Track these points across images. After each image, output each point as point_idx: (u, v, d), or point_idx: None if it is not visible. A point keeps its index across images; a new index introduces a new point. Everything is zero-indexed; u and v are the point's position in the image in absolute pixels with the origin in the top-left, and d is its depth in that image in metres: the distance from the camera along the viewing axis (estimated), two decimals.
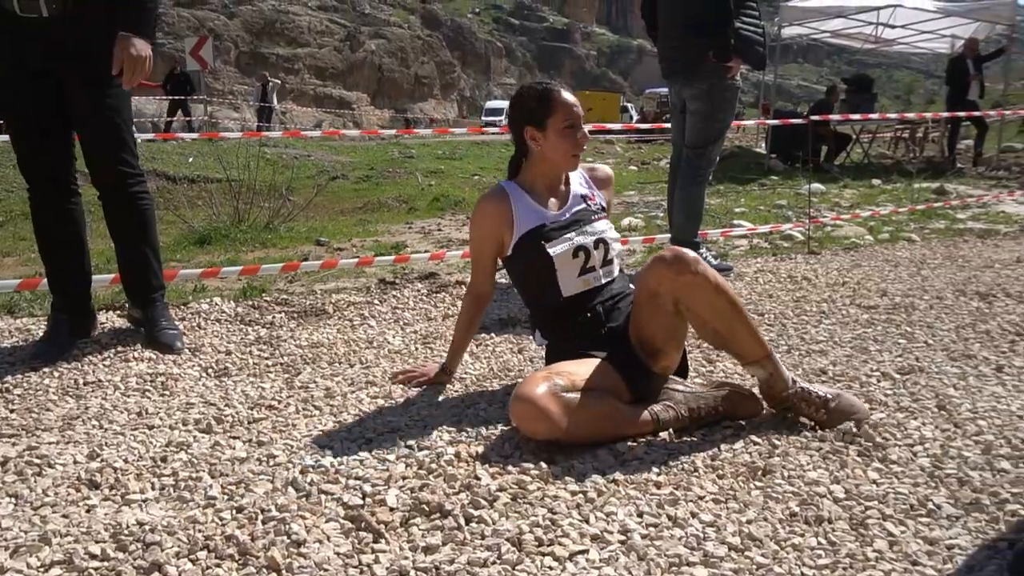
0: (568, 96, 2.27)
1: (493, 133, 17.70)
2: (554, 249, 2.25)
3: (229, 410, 2.30)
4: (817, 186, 8.46)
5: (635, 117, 32.78)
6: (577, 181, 2.42)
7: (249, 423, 2.20)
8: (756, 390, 2.14)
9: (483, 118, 43.70)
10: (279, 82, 23.99)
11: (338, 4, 60.53)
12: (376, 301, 3.61)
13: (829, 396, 2.03)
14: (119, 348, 2.88)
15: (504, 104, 49.02)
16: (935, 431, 1.97)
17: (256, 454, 1.97)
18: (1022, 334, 2.83)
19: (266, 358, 2.81)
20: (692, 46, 3.81)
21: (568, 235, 2.27)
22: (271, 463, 1.91)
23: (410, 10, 69.07)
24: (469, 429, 2.11)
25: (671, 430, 2.02)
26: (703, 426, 2.06)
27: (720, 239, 5.26)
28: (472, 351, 2.85)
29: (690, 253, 2.03)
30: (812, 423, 2.03)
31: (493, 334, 3.05)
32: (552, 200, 2.35)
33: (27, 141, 2.74)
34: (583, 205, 2.36)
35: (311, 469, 1.87)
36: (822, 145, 11.24)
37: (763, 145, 12.99)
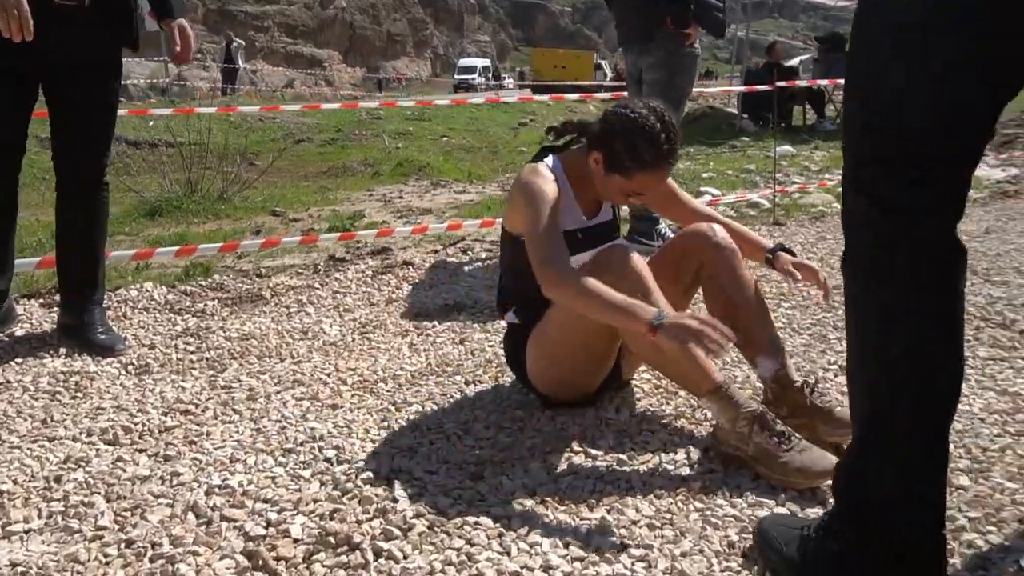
0: (658, 177, 1.93)
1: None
2: (576, 261, 1.94)
3: (140, 416, 2.12)
4: (787, 148, 8.31)
5: (609, 75, 32.39)
6: None
7: (160, 432, 2.03)
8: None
9: (456, 76, 43.00)
10: (243, 43, 23.37)
11: None
12: (317, 285, 3.43)
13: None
14: (35, 343, 2.70)
15: (478, 62, 48.23)
16: None
17: (160, 471, 1.81)
18: (988, 319, 2.70)
19: (191, 352, 2.64)
20: (649, 13, 3.61)
21: (591, 250, 2.01)
22: (174, 482, 1.75)
23: None
24: (396, 437, 1.96)
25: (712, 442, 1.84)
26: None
27: None
28: (412, 342, 2.69)
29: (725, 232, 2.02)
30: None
31: (436, 322, 2.89)
32: (585, 204, 2.07)
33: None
34: (610, 217, 2.15)
35: (217, 490, 1.71)
36: (793, 106, 11.07)
37: (735, 105, 12.80)
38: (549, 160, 2.01)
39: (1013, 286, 3.11)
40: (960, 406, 1.97)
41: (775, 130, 8.78)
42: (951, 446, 1.76)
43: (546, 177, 1.93)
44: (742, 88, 8.60)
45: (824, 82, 7.99)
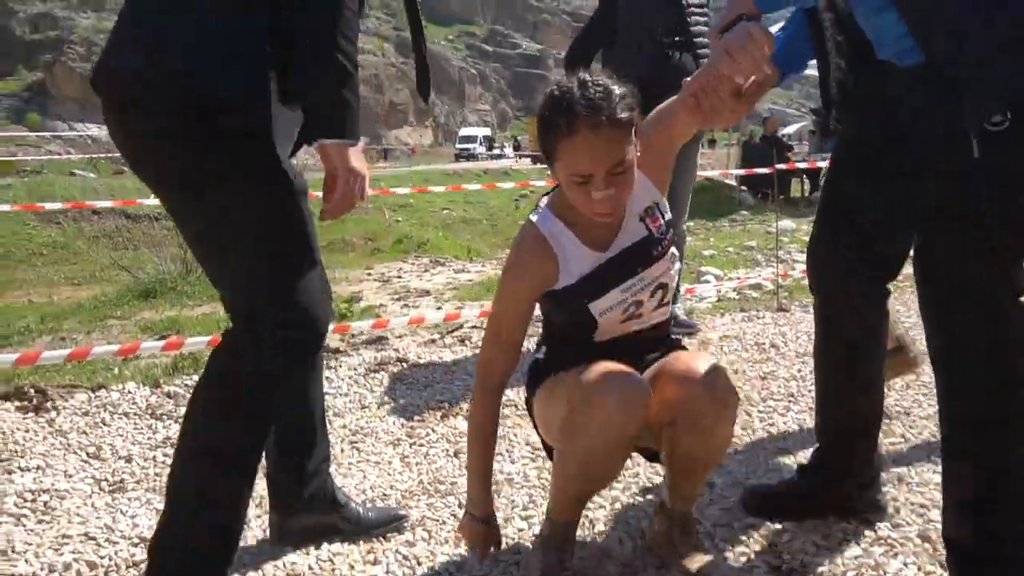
0: (583, 140, 1.48)
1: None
2: (599, 309, 1.66)
3: (108, 548, 1.97)
4: (787, 223, 8.26)
5: None
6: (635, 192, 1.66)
7: (127, 568, 1.88)
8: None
9: (457, 145, 43.54)
10: None
11: None
12: None
13: None
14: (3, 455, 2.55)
15: (479, 131, 48.98)
16: (918, 574, 1.69)
17: None
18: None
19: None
20: None
21: (622, 284, 1.67)
22: None
23: (384, 38, 69.21)
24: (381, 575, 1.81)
25: None
26: None
27: (686, 295, 4.97)
28: (403, 454, 2.54)
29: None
30: None
31: (431, 428, 2.74)
32: (593, 239, 1.67)
33: None
34: (644, 233, 1.68)
35: None
36: (791, 179, 11.11)
37: (733, 177, 12.85)
38: (540, 209, 1.70)
39: None
40: None
41: (775, 207, 8.81)
42: None
43: (527, 246, 1.67)
44: (741, 171, 8.68)
45: (823, 164, 8.06)
